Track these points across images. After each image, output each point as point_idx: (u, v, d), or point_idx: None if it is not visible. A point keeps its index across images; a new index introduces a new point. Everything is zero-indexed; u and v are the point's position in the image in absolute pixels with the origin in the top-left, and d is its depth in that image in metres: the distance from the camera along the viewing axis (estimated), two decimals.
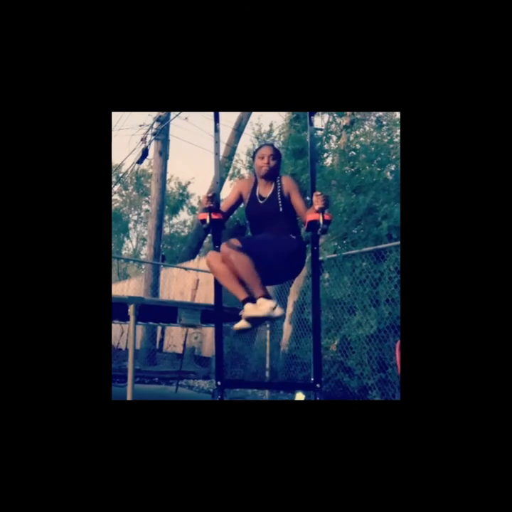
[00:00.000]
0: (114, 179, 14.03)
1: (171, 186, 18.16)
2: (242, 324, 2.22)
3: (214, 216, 2.35)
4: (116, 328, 5.84)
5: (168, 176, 8.79)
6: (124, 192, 19.40)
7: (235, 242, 2.23)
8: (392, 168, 5.24)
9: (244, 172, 7.96)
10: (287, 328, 5.38)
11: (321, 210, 2.22)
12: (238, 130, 9.87)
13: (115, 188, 16.66)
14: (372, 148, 5.31)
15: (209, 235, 2.54)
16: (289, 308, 5.41)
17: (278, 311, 2.14)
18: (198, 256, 9.74)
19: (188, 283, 7.89)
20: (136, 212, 20.16)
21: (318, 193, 2.25)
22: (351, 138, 5.90)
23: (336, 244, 4.85)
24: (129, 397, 2.75)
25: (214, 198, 2.39)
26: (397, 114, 5.78)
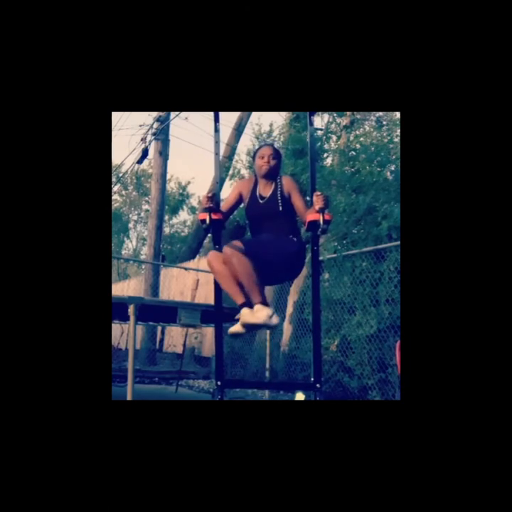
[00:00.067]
0: (114, 179, 14.03)
1: (171, 186, 18.17)
2: (237, 329, 2.21)
3: (214, 216, 2.34)
4: (116, 328, 5.84)
5: (168, 176, 8.80)
6: (124, 192, 19.40)
7: (238, 244, 2.22)
8: (392, 168, 5.24)
9: (244, 172, 7.96)
10: (287, 328, 5.38)
11: (321, 210, 2.22)
12: (238, 130, 9.88)
13: (115, 188, 16.67)
14: (372, 148, 5.31)
15: (209, 235, 2.54)
16: (289, 308, 5.41)
17: (274, 320, 2.14)
18: (198, 256, 9.74)
19: (188, 283, 7.89)
20: (136, 212, 20.17)
21: (319, 193, 2.25)
22: (351, 138, 5.91)
23: (336, 244, 4.86)
24: (129, 397, 2.75)
25: (214, 198, 2.39)
26: (397, 114, 5.79)
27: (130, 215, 20.24)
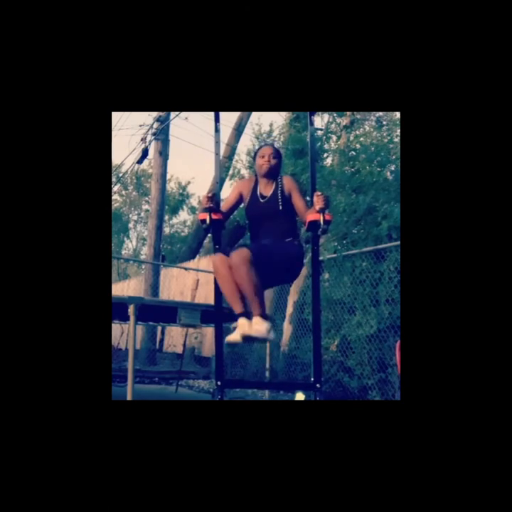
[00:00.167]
0: (114, 179, 14.03)
1: (171, 186, 18.17)
2: (235, 338, 2.20)
3: (214, 216, 2.34)
4: (116, 328, 5.84)
5: (168, 176, 8.80)
6: (124, 192, 19.40)
7: (247, 253, 2.17)
8: (392, 168, 5.24)
9: (244, 172, 7.97)
10: (287, 328, 5.38)
11: (322, 211, 2.22)
12: (238, 130, 9.88)
13: (115, 188, 16.67)
14: (372, 148, 5.32)
15: (209, 235, 2.54)
16: (289, 308, 5.41)
17: (272, 335, 2.16)
18: (198, 256, 9.74)
19: (188, 283, 7.88)
20: (136, 212, 20.17)
21: (319, 194, 2.25)
22: (351, 138, 5.91)
23: (336, 244, 4.86)
24: (129, 397, 2.75)
25: (214, 198, 2.39)
26: (397, 114, 5.79)
27: (130, 215, 20.25)
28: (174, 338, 8.10)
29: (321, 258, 4.40)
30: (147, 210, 16.96)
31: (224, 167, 8.83)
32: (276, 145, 2.65)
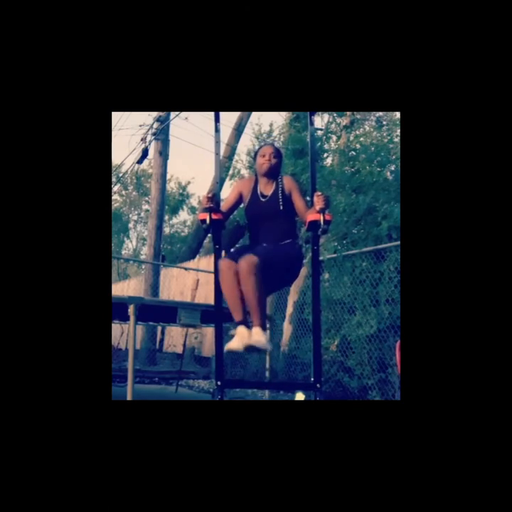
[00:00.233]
0: (114, 179, 14.03)
1: (171, 186, 18.18)
2: (236, 346, 2.20)
3: (214, 216, 2.34)
4: (116, 328, 5.84)
5: (168, 176, 8.80)
6: (124, 192, 19.41)
7: (256, 261, 2.15)
8: (392, 168, 5.25)
9: (244, 172, 7.97)
10: (287, 328, 5.38)
11: (322, 211, 2.22)
12: (238, 130, 9.88)
13: (115, 188, 16.67)
14: (372, 148, 5.32)
15: (209, 235, 2.54)
16: (289, 308, 5.41)
17: (270, 346, 2.21)
18: (198, 256, 9.74)
19: (188, 283, 7.88)
20: (136, 212, 20.18)
21: (319, 194, 2.25)
22: (351, 138, 5.91)
23: (336, 244, 4.86)
24: (129, 397, 2.75)
25: (214, 198, 2.39)
26: (397, 114, 5.79)
27: (130, 215, 20.25)
28: (174, 338, 8.10)
29: (321, 258, 4.40)
30: (147, 210, 16.97)
31: (224, 167, 8.84)
32: (276, 145, 2.65)
